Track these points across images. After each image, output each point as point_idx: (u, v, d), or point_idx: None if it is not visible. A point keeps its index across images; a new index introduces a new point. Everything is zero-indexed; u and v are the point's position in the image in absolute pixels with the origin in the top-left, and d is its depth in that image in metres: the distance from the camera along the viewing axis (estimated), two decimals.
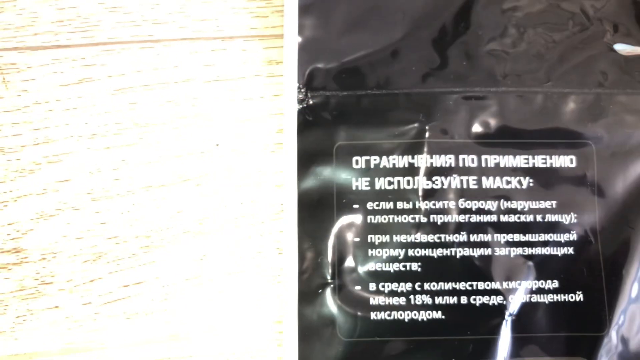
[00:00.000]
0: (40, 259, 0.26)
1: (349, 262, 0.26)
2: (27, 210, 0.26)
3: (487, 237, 0.27)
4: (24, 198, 0.27)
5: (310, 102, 0.28)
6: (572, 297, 0.27)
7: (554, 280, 0.27)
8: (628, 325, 0.26)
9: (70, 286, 0.26)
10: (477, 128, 0.27)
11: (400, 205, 0.27)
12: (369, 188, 0.27)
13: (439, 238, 0.27)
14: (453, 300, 0.26)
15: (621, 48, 0.28)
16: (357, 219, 0.26)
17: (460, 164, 0.27)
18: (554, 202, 0.27)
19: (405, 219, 0.27)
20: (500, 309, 0.26)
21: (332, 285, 0.26)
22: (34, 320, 0.26)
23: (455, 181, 0.27)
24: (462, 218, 0.27)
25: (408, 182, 0.27)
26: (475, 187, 0.27)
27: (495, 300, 0.26)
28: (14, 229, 0.26)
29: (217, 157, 0.27)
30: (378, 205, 0.27)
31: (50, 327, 0.26)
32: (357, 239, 0.27)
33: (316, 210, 0.27)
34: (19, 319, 0.26)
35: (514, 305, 0.26)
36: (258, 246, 0.27)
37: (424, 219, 0.27)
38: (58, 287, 0.26)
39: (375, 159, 0.28)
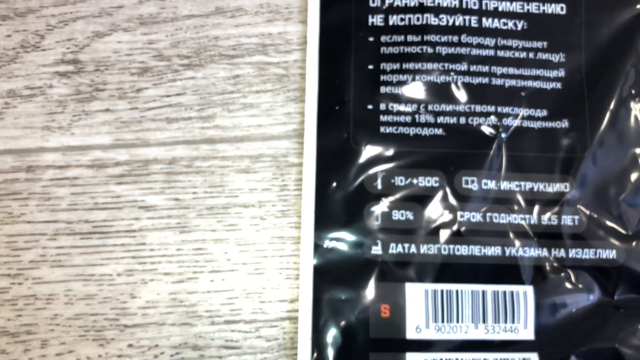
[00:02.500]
0: (95, 69, 0.29)
1: (363, 85, 0.28)
2: (84, 29, 0.29)
3: (485, 68, 0.29)
4: (82, 19, 0.29)
5: None
6: (558, 124, 0.29)
7: (543, 110, 0.29)
8: (606, 148, 0.29)
9: (120, 93, 0.28)
10: None
11: (410, 38, 0.29)
12: (383, 24, 0.30)
13: (443, 67, 0.29)
14: (453, 120, 0.28)
15: None
16: (371, 49, 0.28)
17: (464, 6, 0.29)
18: (545, 43, 0.30)
19: (414, 49, 0.29)
20: (495, 129, 0.28)
21: (347, 103, 0.29)
22: (88, 119, 0.28)
23: (459, 19, 0.30)
24: (464, 50, 0.29)
25: (418, 18, 0.30)
26: (476, 25, 0.30)
27: (490, 121, 0.29)
28: (73, 44, 0.29)
29: None
30: (391, 38, 0.29)
31: (102, 125, 0.28)
32: (371, 66, 0.30)
33: (336, 42, 0.29)
34: (75, 117, 0.28)
35: (507, 127, 0.28)
36: (283, 70, 0.29)
37: (430, 50, 0.29)
38: (109, 94, 0.28)
39: None
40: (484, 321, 0.27)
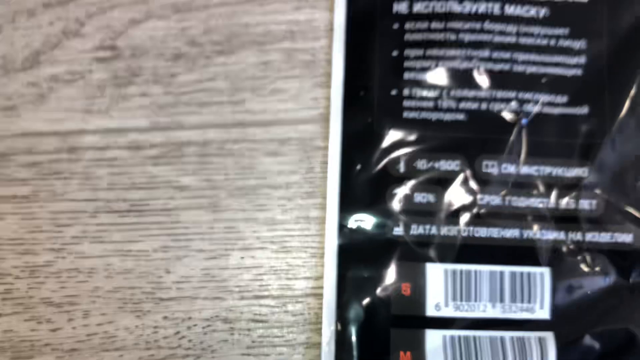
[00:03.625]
0: (131, 55, 0.29)
1: (388, 71, 0.28)
2: (121, 16, 0.29)
3: (506, 55, 0.28)
4: (119, 7, 0.29)
5: None
6: (578, 111, 0.28)
7: (563, 96, 0.28)
8: (625, 134, 0.28)
9: (155, 78, 0.29)
10: None
11: (433, 25, 0.29)
12: (407, 11, 0.29)
13: (465, 53, 0.29)
14: (475, 105, 0.28)
15: None
16: (396, 36, 0.29)
17: None
18: (566, 30, 0.29)
19: (437, 36, 0.29)
20: (516, 114, 0.28)
21: (372, 89, 0.28)
22: (125, 103, 0.29)
23: (482, 7, 0.29)
24: (487, 37, 0.28)
25: (441, 6, 0.29)
26: (499, 12, 0.29)
27: (511, 107, 0.28)
28: (111, 31, 0.29)
29: None
30: (414, 26, 0.29)
31: (139, 109, 0.29)
32: (395, 53, 0.29)
33: (361, 29, 0.29)
34: (113, 101, 0.29)
35: (527, 113, 0.28)
36: (311, 56, 0.29)
37: (453, 37, 0.29)
38: (145, 79, 0.29)
39: None
40: (501, 300, 0.27)
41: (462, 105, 0.28)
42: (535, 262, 0.27)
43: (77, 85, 0.29)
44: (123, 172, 0.29)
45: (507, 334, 0.27)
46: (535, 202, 0.28)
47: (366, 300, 0.27)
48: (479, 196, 0.28)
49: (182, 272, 0.28)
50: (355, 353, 0.27)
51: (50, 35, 0.30)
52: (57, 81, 0.29)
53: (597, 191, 0.28)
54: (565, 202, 0.28)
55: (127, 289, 0.28)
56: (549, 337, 0.27)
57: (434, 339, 0.27)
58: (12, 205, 0.28)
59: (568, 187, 0.28)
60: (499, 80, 0.29)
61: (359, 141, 0.28)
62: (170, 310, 0.28)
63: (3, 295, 0.28)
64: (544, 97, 0.28)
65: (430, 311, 0.27)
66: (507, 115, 0.28)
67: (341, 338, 0.27)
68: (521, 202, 0.28)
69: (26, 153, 0.29)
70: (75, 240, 0.28)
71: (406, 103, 0.29)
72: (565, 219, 0.28)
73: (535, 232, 0.28)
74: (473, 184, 0.28)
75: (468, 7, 0.29)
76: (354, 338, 0.27)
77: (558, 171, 0.28)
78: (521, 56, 0.29)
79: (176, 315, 0.27)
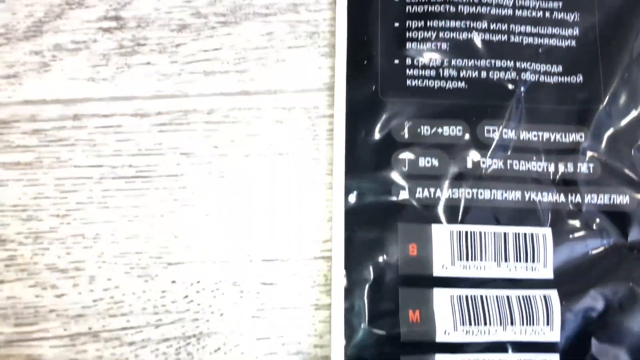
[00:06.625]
0: (136, 26, 0.29)
1: (390, 41, 0.29)
2: None
3: (504, 27, 0.29)
4: None
5: None
6: (573, 79, 0.30)
7: (558, 65, 0.30)
8: (619, 101, 0.30)
9: (160, 48, 0.29)
10: None
11: None
12: None
13: (465, 24, 0.30)
14: (475, 74, 0.29)
15: None
16: (397, 8, 0.29)
17: None
18: (560, 3, 0.30)
19: (437, 8, 0.29)
20: (514, 82, 0.29)
21: (375, 58, 0.29)
22: (130, 72, 0.29)
23: None
24: (484, 10, 0.29)
25: None
26: None
27: (509, 75, 0.30)
28: (115, 2, 0.29)
29: None
30: None
31: (144, 77, 0.29)
32: (397, 24, 0.30)
33: (363, 1, 0.30)
34: (118, 70, 0.29)
35: (525, 81, 0.29)
36: (314, 27, 0.30)
37: (452, 9, 0.30)
38: (150, 48, 0.29)
39: None
40: (505, 260, 0.28)
41: (463, 73, 0.29)
42: (538, 223, 0.28)
43: (81, 54, 0.29)
44: (129, 138, 0.28)
45: (513, 293, 0.27)
46: (536, 166, 0.29)
47: (374, 262, 0.27)
48: (481, 160, 0.28)
49: (189, 236, 0.28)
50: (365, 312, 0.27)
51: (53, 5, 0.30)
52: (61, 50, 0.29)
53: (595, 155, 0.29)
54: (564, 165, 0.29)
55: (133, 254, 0.27)
56: (554, 294, 0.27)
57: (442, 297, 0.27)
58: (15, 172, 0.28)
59: (566, 151, 0.29)
60: (497, 50, 0.29)
61: (363, 109, 0.29)
62: (178, 274, 0.27)
63: (6, 261, 0.27)
64: (540, 67, 0.29)
65: (438, 271, 0.27)
66: (506, 83, 0.29)
67: (351, 299, 0.27)
68: (522, 165, 0.29)
69: (29, 120, 0.28)
70: (80, 206, 0.28)
71: (409, 72, 0.29)
72: (564, 182, 0.28)
73: (537, 194, 0.28)
74: (475, 149, 0.28)
75: None
76: (363, 298, 0.27)
77: (556, 136, 0.29)
78: (518, 27, 0.30)
79: (184, 279, 0.27)
